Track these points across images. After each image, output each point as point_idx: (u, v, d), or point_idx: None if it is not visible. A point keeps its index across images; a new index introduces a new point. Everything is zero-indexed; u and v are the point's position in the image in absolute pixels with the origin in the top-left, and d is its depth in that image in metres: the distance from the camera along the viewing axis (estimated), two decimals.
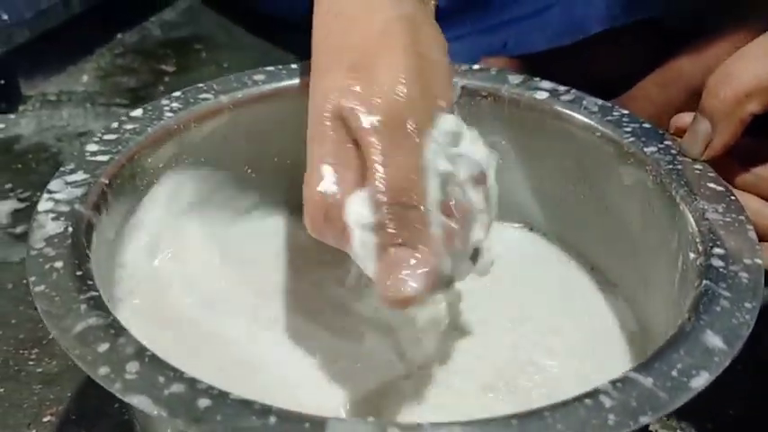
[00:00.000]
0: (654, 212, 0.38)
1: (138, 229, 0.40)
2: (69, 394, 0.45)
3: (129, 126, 0.40)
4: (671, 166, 0.38)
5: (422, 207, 0.31)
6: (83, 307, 0.29)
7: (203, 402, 0.25)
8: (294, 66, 0.45)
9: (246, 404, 0.25)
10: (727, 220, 0.35)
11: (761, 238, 0.34)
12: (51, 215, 0.34)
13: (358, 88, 0.33)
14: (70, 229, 0.33)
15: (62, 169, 0.37)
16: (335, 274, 0.41)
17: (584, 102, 0.43)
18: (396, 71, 0.33)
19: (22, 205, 0.60)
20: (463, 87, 0.45)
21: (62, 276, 0.31)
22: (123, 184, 0.38)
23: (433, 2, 0.41)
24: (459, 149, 0.34)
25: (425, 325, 0.39)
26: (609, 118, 0.42)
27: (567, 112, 0.43)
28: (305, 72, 0.43)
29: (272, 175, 0.46)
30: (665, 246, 0.37)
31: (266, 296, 0.41)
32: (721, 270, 0.32)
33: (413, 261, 0.30)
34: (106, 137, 0.39)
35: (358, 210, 0.31)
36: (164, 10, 0.93)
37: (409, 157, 0.32)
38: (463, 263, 0.34)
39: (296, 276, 0.43)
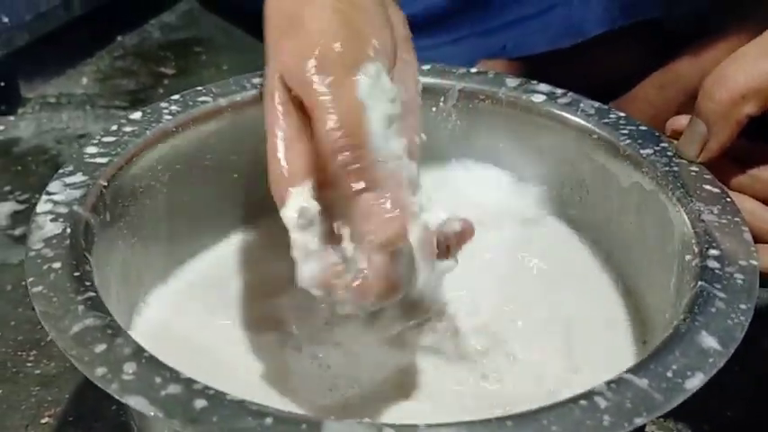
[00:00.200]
0: (650, 214, 0.39)
1: None
2: (67, 396, 0.45)
3: (128, 129, 0.40)
4: (667, 168, 0.38)
5: (367, 145, 0.31)
6: (80, 308, 0.29)
7: (200, 403, 0.26)
8: None
9: (242, 405, 0.26)
10: (723, 221, 0.35)
11: (756, 240, 0.34)
12: (50, 216, 0.34)
13: (290, 45, 0.34)
14: (68, 230, 0.33)
15: (61, 171, 0.37)
16: None
17: (581, 104, 0.43)
18: (321, 19, 0.34)
19: (21, 207, 0.60)
20: (461, 90, 0.45)
21: (60, 277, 0.31)
22: (122, 187, 0.38)
23: None
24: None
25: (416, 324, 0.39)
26: (606, 120, 0.42)
27: (564, 114, 0.43)
28: None
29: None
30: (662, 247, 0.37)
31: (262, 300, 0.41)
32: (717, 271, 0.32)
33: (382, 200, 0.31)
34: (105, 139, 0.39)
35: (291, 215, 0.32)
36: (163, 12, 0.93)
37: (348, 94, 0.32)
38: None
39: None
